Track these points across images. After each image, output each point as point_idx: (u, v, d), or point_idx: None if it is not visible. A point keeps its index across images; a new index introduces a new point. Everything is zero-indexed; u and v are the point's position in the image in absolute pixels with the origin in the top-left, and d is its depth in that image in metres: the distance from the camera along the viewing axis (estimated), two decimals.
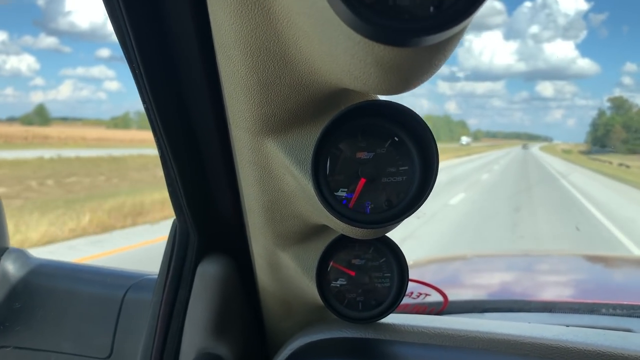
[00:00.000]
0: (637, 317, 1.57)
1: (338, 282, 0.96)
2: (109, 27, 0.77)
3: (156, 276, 1.09)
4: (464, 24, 0.47)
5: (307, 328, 1.03)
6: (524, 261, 2.73)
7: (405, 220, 0.75)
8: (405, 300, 1.58)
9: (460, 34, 0.53)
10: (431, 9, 0.46)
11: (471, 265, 2.73)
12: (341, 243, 0.93)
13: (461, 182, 22.46)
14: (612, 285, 2.19)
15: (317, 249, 0.95)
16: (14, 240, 1.35)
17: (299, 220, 0.90)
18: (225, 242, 1.08)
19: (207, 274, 1.05)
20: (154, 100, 0.83)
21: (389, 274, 0.96)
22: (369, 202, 0.75)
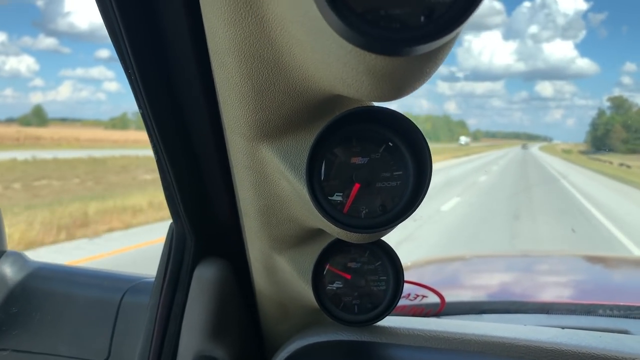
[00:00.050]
0: (634, 318, 1.58)
1: (334, 285, 0.97)
2: None
3: (153, 279, 1.10)
4: (455, 33, 0.47)
5: (304, 331, 1.04)
6: (522, 262, 2.74)
7: (403, 222, 0.76)
8: (403, 302, 1.58)
9: (451, 43, 0.54)
10: (422, 18, 0.46)
11: (470, 266, 2.73)
12: (337, 246, 0.94)
13: (457, 184, 20.77)
14: (609, 286, 2.19)
15: (313, 252, 0.95)
16: None
17: (295, 224, 0.90)
18: (222, 246, 1.08)
19: (204, 277, 1.05)
20: (150, 106, 0.84)
21: (384, 277, 0.97)
22: (363, 207, 0.75)
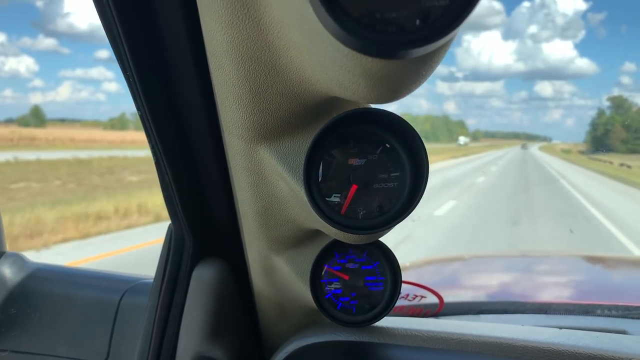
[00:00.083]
0: (632, 318, 1.58)
1: (332, 286, 0.97)
2: None
3: (152, 280, 1.10)
4: (450, 37, 0.48)
5: (302, 331, 1.04)
6: (522, 262, 2.74)
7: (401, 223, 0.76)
8: (401, 303, 1.58)
9: (447, 45, 0.54)
10: (417, 22, 0.47)
11: (468, 266, 2.73)
12: (335, 247, 0.94)
13: (454, 186, 19.72)
14: (608, 286, 2.19)
15: (311, 253, 0.96)
16: None
17: (293, 225, 0.90)
18: (221, 247, 1.08)
19: (203, 278, 1.05)
20: (148, 107, 0.84)
21: (382, 278, 0.97)
22: (361, 208, 0.76)
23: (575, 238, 10.04)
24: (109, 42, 0.78)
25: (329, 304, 0.97)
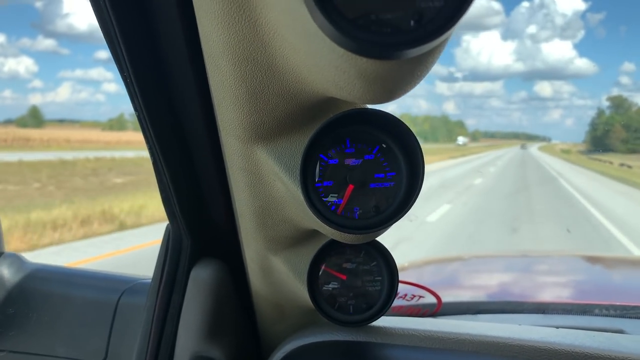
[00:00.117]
0: (630, 317, 1.58)
1: (330, 285, 0.97)
2: None
3: (150, 280, 1.10)
4: (444, 37, 0.48)
5: (300, 331, 1.04)
6: (521, 262, 2.74)
7: (399, 223, 0.77)
8: (399, 302, 1.59)
9: (441, 46, 0.54)
10: (412, 23, 0.47)
11: (467, 266, 2.74)
12: (332, 247, 0.94)
13: (450, 188, 18.45)
14: (606, 286, 2.20)
15: (308, 253, 0.96)
16: None
17: (290, 225, 0.91)
18: (218, 247, 1.09)
19: (200, 278, 1.06)
20: (146, 108, 0.85)
21: (379, 278, 0.97)
22: (357, 208, 0.76)
23: (579, 242, 9.40)
24: (107, 42, 0.78)
25: (326, 304, 0.97)
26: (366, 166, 0.76)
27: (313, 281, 0.95)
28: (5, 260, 1.25)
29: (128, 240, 9.86)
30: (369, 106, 0.75)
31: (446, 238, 9.25)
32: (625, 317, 1.59)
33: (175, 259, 1.06)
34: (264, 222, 0.90)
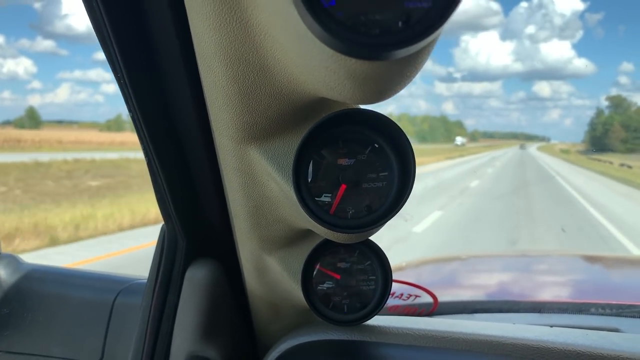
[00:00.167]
0: (625, 316, 1.59)
1: (324, 285, 0.98)
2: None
3: (146, 281, 1.10)
4: (432, 38, 0.49)
5: (295, 330, 1.05)
6: (519, 262, 2.75)
7: (393, 223, 0.77)
8: (396, 302, 1.59)
9: (430, 47, 0.55)
10: (400, 24, 0.48)
11: (466, 266, 2.74)
12: (326, 247, 0.95)
13: (443, 191, 17.26)
14: (603, 285, 2.20)
15: (302, 252, 0.96)
16: None
17: (284, 224, 0.91)
18: (213, 247, 1.09)
19: (196, 279, 1.06)
20: (140, 109, 0.85)
21: (373, 277, 0.98)
22: (350, 208, 0.77)
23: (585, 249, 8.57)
24: (100, 43, 0.79)
25: (320, 303, 0.97)
26: (359, 166, 0.76)
27: (307, 281, 0.96)
28: (2, 260, 1.25)
29: (52, 259, 8.49)
30: (362, 106, 0.75)
31: (432, 253, 7.81)
32: (621, 316, 1.59)
33: (170, 259, 1.06)
34: (258, 222, 0.91)
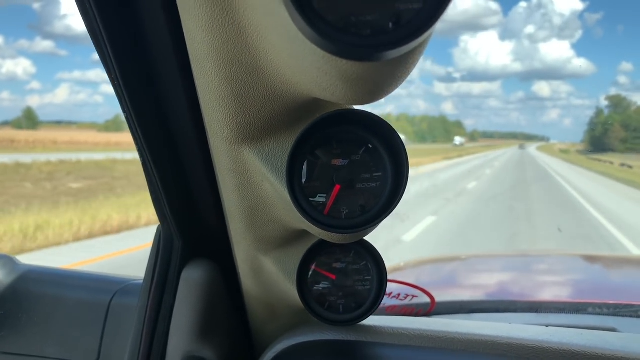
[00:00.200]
0: (622, 316, 1.59)
1: (320, 285, 0.98)
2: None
3: (142, 281, 1.10)
4: (422, 39, 0.49)
5: (291, 331, 1.05)
6: (518, 262, 2.75)
7: (388, 224, 0.77)
8: (393, 302, 1.59)
9: (421, 48, 0.55)
10: (390, 25, 0.48)
11: (465, 266, 2.75)
12: (322, 247, 0.95)
13: (438, 194, 16.41)
14: (601, 285, 2.21)
15: (298, 253, 0.97)
16: None
17: (279, 225, 0.91)
18: (209, 247, 1.09)
19: (192, 279, 1.06)
20: (134, 110, 0.85)
21: (369, 277, 0.98)
22: (344, 208, 0.77)
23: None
24: (94, 44, 0.79)
25: (316, 303, 0.97)
26: (353, 166, 0.77)
27: (303, 281, 0.96)
28: None
29: None
30: (356, 107, 0.75)
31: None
32: (618, 316, 1.59)
33: (166, 260, 1.06)
34: (253, 223, 0.91)
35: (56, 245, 9.94)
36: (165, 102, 0.89)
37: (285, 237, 0.95)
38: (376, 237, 0.89)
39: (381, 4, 0.47)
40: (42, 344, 1.20)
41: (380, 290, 0.97)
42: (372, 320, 1.02)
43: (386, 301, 1.62)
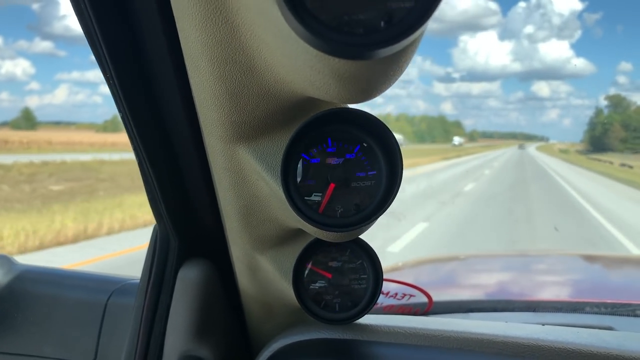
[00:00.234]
0: (619, 315, 1.59)
1: (316, 284, 0.98)
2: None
3: (138, 281, 1.11)
4: (414, 37, 0.49)
5: (288, 329, 1.05)
6: (517, 261, 2.75)
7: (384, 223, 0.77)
8: (390, 302, 1.60)
9: (413, 46, 0.55)
10: (382, 23, 0.48)
11: (463, 265, 2.75)
12: (318, 246, 0.95)
13: (434, 196, 15.55)
14: (599, 284, 2.21)
15: (293, 252, 0.97)
16: None
17: (275, 224, 0.92)
18: (206, 247, 1.09)
19: (188, 278, 1.06)
20: (129, 109, 0.85)
21: (365, 276, 0.98)
22: (339, 206, 0.77)
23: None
24: (88, 44, 0.79)
25: (312, 302, 0.98)
26: (347, 165, 0.77)
27: (299, 280, 0.96)
28: None
29: None
30: (351, 105, 0.75)
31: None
32: (615, 315, 1.59)
33: (162, 259, 1.06)
34: (249, 222, 0.91)
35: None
36: (160, 101, 0.89)
37: (281, 235, 0.95)
38: (373, 236, 0.90)
39: (373, 2, 0.48)
40: (39, 343, 1.20)
41: (376, 289, 0.97)
42: (368, 319, 1.02)
43: (384, 300, 1.62)
